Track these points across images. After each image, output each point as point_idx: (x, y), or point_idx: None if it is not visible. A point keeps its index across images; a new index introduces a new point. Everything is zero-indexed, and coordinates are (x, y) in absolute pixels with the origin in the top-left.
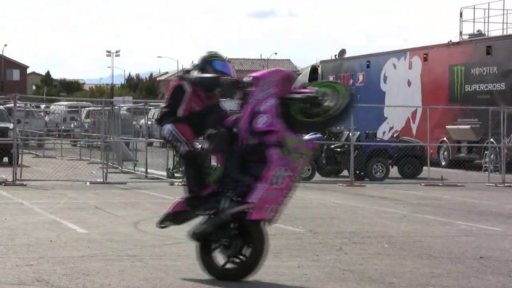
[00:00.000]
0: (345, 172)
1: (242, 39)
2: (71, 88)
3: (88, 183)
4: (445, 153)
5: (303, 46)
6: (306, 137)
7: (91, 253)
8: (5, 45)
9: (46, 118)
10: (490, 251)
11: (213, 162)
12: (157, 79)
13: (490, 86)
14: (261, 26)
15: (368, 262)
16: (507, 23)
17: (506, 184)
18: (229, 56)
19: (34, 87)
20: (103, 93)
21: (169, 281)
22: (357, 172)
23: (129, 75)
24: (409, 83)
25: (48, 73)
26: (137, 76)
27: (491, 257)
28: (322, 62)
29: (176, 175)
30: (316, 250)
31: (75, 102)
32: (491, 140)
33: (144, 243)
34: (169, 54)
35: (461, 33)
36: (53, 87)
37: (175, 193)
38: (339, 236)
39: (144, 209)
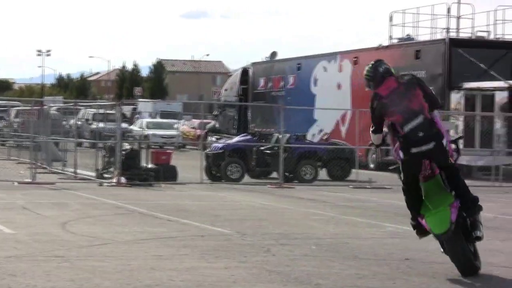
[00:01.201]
0: (274, 174)
1: (174, 39)
2: (0, 87)
3: (16, 183)
4: (374, 156)
5: (235, 48)
6: (236, 138)
7: (17, 254)
8: None
9: None
10: (416, 253)
11: None
12: (88, 79)
13: None
14: (194, 27)
15: (295, 264)
16: (435, 27)
17: None
18: (160, 57)
19: None
20: (33, 93)
21: (95, 281)
22: (287, 174)
23: (60, 75)
24: (339, 86)
25: None
26: (68, 76)
27: (416, 259)
28: (253, 64)
29: (105, 175)
30: (244, 251)
31: (4, 102)
32: None
33: (72, 244)
34: (100, 54)
35: (390, 37)
36: None
37: (104, 194)
38: (267, 238)
39: (73, 210)
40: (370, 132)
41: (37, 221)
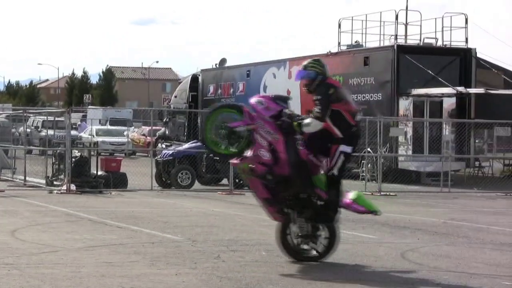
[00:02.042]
0: (225, 181)
1: (124, 46)
2: None
3: None
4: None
5: (185, 54)
6: (186, 145)
7: None
8: None
9: None
10: (365, 258)
11: None
12: (38, 86)
13: (367, 96)
14: (143, 33)
15: (245, 270)
16: (384, 34)
17: (382, 193)
18: (110, 64)
19: None
20: None
21: None
22: (237, 180)
23: (9, 82)
24: (288, 93)
25: None
26: (17, 83)
27: (366, 264)
28: (202, 71)
29: (55, 183)
30: (194, 257)
31: None
32: (368, 149)
33: (22, 252)
34: (49, 61)
35: (339, 43)
36: None
37: (54, 201)
38: (217, 244)
39: (22, 217)
40: (317, 120)
41: None
